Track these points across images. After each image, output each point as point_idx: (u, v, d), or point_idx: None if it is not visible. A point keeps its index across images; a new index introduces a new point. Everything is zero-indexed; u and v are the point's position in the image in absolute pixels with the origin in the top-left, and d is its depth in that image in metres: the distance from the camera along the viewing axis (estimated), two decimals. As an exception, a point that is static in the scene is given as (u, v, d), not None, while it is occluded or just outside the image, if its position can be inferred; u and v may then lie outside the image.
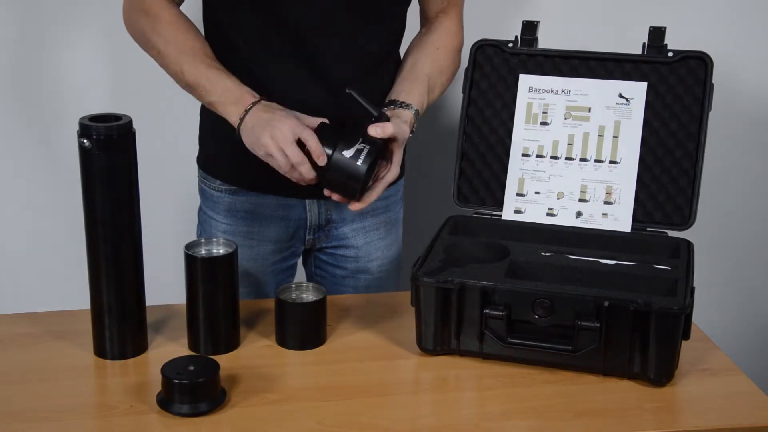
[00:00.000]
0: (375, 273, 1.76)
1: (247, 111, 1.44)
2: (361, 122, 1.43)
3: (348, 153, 1.39)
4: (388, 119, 1.44)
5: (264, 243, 1.69)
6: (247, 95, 1.46)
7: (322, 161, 1.39)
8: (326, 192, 1.45)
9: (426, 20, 1.69)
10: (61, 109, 2.07)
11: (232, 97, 1.46)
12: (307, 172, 1.40)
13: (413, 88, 1.56)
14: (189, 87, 1.50)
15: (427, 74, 1.59)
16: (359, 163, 1.39)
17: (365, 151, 1.40)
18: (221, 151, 1.66)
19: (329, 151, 1.40)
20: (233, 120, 1.45)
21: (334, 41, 1.53)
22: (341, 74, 1.55)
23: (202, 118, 1.70)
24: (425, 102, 1.58)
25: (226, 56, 1.52)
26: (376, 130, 1.41)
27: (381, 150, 1.43)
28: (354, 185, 1.41)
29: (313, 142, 1.39)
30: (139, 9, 1.51)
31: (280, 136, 1.38)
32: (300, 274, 1.83)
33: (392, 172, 1.46)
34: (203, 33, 1.60)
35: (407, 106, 1.53)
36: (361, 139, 1.40)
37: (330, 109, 1.51)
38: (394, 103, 1.53)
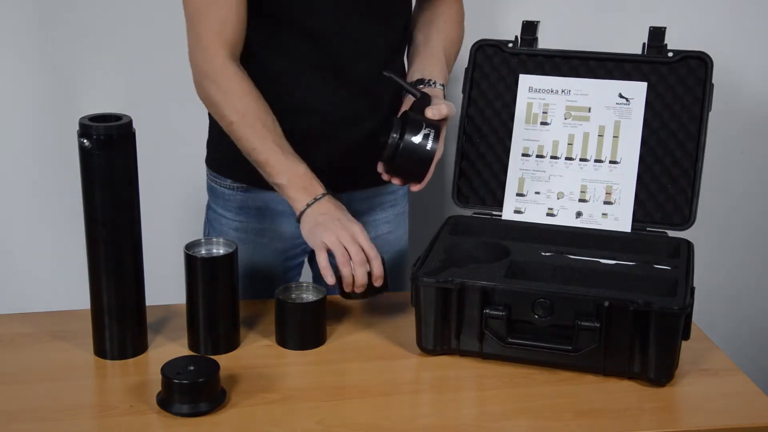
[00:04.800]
0: (385, 266, 1.77)
1: (316, 199, 1.47)
2: (414, 110, 1.48)
3: (417, 139, 1.44)
4: (429, 98, 1.48)
5: (277, 240, 1.69)
6: (317, 184, 1.48)
7: (378, 283, 1.44)
8: (385, 177, 1.50)
9: None
10: (62, 109, 2.07)
11: (300, 183, 1.48)
12: (362, 276, 1.41)
13: (434, 65, 1.59)
14: (257, 163, 1.50)
15: (442, 49, 1.63)
16: (428, 147, 1.44)
17: (432, 135, 1.45)
18: (233, 152, 1.66)
19: (397, 136, 1.44)
20: (297, 205, 1.48)
21: (352, 43, 1.55)
22: (359, 74, 1.57)
23: (213, 120, 1.70)
24: (446, 75, 1.61)
25: (247, 64, 1.53)
26: (433, 112, 1.46)
27: (440, 130, 1.48)
28: (424, 168, 1.47)
29: (371, 251, 1.43)
30: (207, 78, 1.49)
31: (348, 237, 1.42)
32: (306, 274, 1.83)
33: (440, 150, 1.49)
34: None
35: (434, 83, 1.56)
36: (424, 124, 1.45)
37: (349, 109, 1.57)
38: (422, 81, 1.56)
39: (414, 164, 1.46)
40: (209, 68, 1.48)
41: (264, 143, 1.47)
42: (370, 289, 1.44)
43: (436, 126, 1.46)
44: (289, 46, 1.54)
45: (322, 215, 1.45)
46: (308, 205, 1.46)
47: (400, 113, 1.53)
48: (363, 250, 1.42)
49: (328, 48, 1.54)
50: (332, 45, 1.54)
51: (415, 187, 1.51)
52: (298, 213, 1.47)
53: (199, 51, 1.49)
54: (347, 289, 1.43)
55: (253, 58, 1.54)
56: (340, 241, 1.41)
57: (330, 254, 1.42)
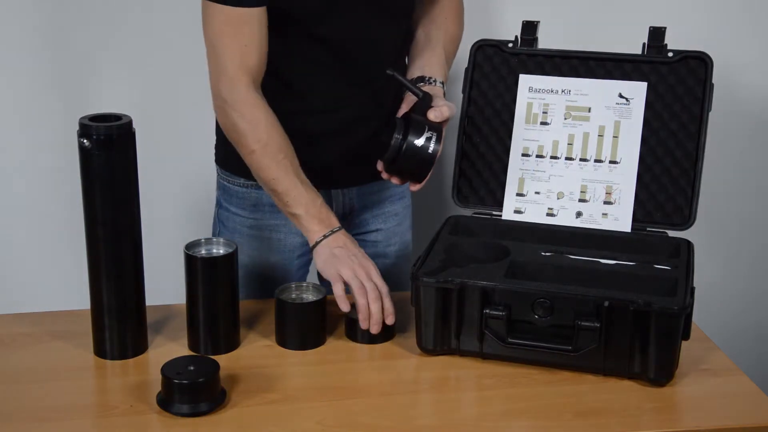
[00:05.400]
0: (393, 258, 1.80)
1: (333, 231, 1.49)
2: (416, 110, 1.49)
3: (419, 141, 1.46)
4: (431, 98, 1.49)
5: (292, 235, 1.70)
6: (333, 217, 1.52)
7: (390, 320, 1.46)
8: (385, 175, 1.54)
9: None
10: (66, 109, 2.07)
11: (317, 215, 1.50)
12: (377, 311, 1.44)
13: (434, 63, 1.61)
14: (274, 192, 1.52)
15: (443, 46, 1.64)
16: (431, 150, 1.46)
17: (434, 138, 1.46)
18: None
19: (400, 137, 1.46)
20: (313, 236, 1.50)
21: (364, 47, 1.57)
22: (370, 75, 1.59)
23: None
24: (445, 72, 1.63)
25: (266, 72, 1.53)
26: (435, 114, 1.48)
27: (441, 132, 1.49)
28: (425, 170, 1.49)
29: (384, 289, 1.46)
30: (230, 106, 1.49)
31: (364, 273, 1.45)
32: (313, 272, 1.82)
33: (440, 150, 1.51)
34: None
35: (435, 81, 1.58)
36: (427, 127, 1.46)
37: (360, 108, 1.60)
38: (423, 79, 1.58)
39: (416, 166, 1.48)
40: (232, 97, 1.48)
41: (285, 174, 1.49)
42: (378, 334, 1.46)
43: (438, 128, 1.47)
44: (304, 51, 1.55)
45: (339, 248, 1.48)
46: (324, 237, 1.49)
47: (401, 113, 1.54)
48: (376, 287, 1.45)
49: (342, 52, 1.56)
50: (346, 49, 1.56)
51: (415, 187, 1.53)
52: (312, 243, 1.50)
53: (221, 79, 1.48)
54: (363, 325, 1.45)
55: (268, 63, 1.54)
56: (356, 275, 1.45)
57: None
